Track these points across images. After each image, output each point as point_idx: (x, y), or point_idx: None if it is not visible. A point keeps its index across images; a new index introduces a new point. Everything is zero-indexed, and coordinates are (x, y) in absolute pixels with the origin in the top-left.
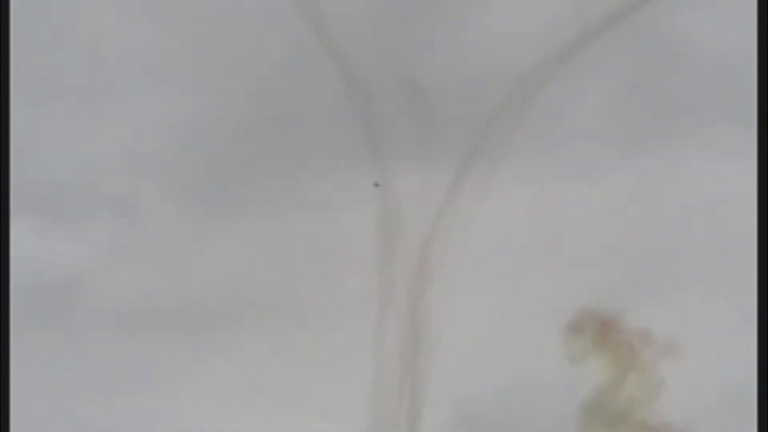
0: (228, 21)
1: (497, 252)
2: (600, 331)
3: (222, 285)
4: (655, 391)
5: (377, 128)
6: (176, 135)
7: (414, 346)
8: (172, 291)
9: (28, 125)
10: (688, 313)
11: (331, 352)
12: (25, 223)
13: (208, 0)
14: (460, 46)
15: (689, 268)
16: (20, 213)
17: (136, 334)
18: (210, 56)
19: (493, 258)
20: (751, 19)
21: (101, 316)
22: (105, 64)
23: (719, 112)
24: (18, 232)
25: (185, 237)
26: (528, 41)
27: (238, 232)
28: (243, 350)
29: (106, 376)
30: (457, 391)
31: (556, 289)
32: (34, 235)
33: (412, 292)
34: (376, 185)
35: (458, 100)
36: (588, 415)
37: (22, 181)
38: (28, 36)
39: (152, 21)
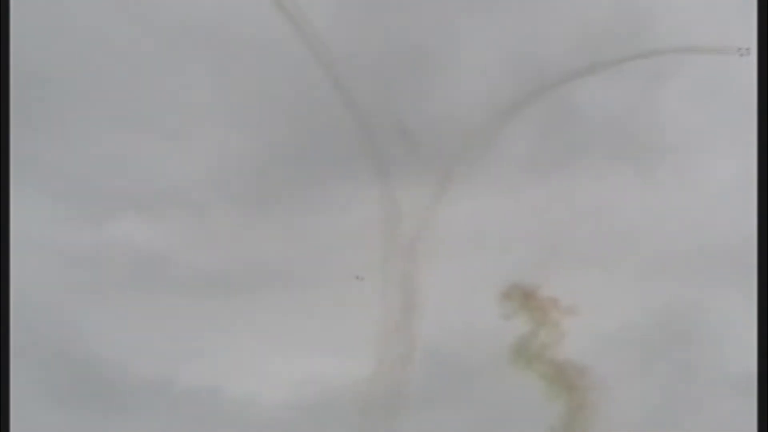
0: (269, 80)
1: (460, 242)
2: (523, 297)
3: (264, 261)
4: (560, 339)
5: (378, 156)
6: (234, 160)
7: (406, 307)
8: (231, 265)
9: (128, 144)
10: (582, 285)
11: (345, 312)
12: (132, 218)
13: (251, 65)
14: (436, 101)
15: (584, 254)
16: (129, 211)
17: (206, 295)
18: (255, 107)
19: (457, 246)
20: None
21: (182, 281)
22: (190, 112)
23: (603, 153)
24: (128, 225)
25: (240, 228)
26: (482, 100)
27: (276, 225)
28: (280, 307)
29: (185, 325)
30: (432, 337)
31: (495, 269)
32: (139, 227)
33: (405, 270)
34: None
35: (435, 138)
36: (515, 354)
37: (132, 187)
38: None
39: (218, 85)
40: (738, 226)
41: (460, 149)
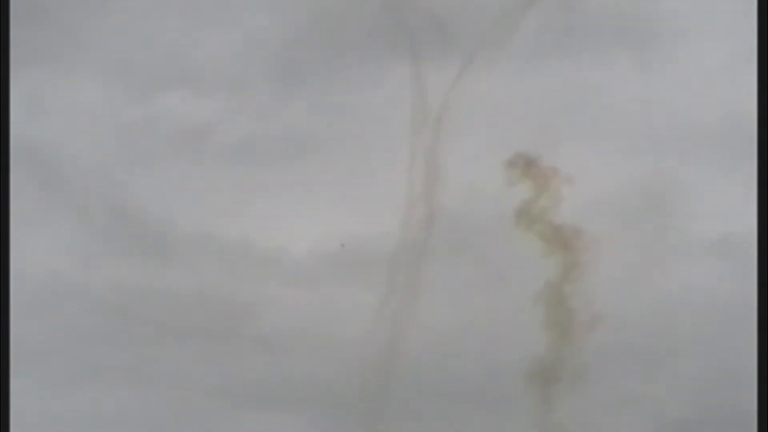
0: None
1: (478, 116)
2: (526, 166)
3: (296, 132)
4: (557, 204)
5: (408, 37)
6: (267, 39)
7: (429, 174)
8: (264, 135)
9: (170, 26)
10: (578, 157)
11: (371, 179)
12: (174, 95)
13: None
14: None
15: (581, 130)
16: (174, 88)
17: (242, 161)
18: None
19: (475, 120)
20: None
21: (220, 149)
22: None
23: (603, 40)
24: (173, 101)
25: (274, 99)
26: None
27: (307, 99)
28: (309, 173)
29: (223, 187)
30: (448, 201)
31: (504, 139)
32: (181, 100)
33: (429, 141)
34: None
35: (458, 24)
36: (518, 216)
37: (172, 64)
38: None
39: None
40: (717, 107)
41: (481, 34)
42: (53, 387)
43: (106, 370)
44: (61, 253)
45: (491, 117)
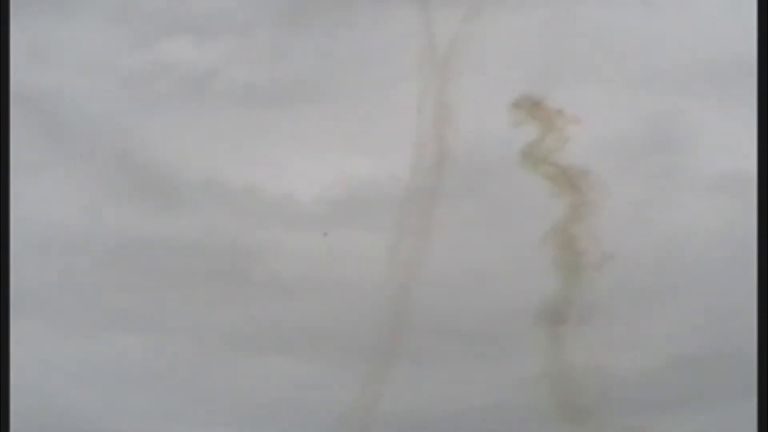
0: None
1: (485, 57)
2: (532, 107)
3: (303, 76)
4: (563, 145)
5: None
6: None
7: (437, 116)
8: (273, 77)
9: None
10: (584, 97)
11: (379, 121)
12: (179, 40)
13: None
14: None
15: (587, 69)
16: (179, 33)
17: (250, 106)
18: None
19: (482, 61)
20: None
21: (230, 93)
22: None
23: None
24: (178, 46)
25: (280, 43)
26: None
27: (314, 43)
28: (316, 115)
29: (230, 132)
30: (455, 143)
31: (511, 81)
32: (188, 46)
33: (438, 82)
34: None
35: None
36: (523, 156)
37: (180, 9)
38: None
39: None
40: (723, 45)
41: None
42: (59, 336)
43: (113, 317)
44: (66, 201)
45: (497, 58)
